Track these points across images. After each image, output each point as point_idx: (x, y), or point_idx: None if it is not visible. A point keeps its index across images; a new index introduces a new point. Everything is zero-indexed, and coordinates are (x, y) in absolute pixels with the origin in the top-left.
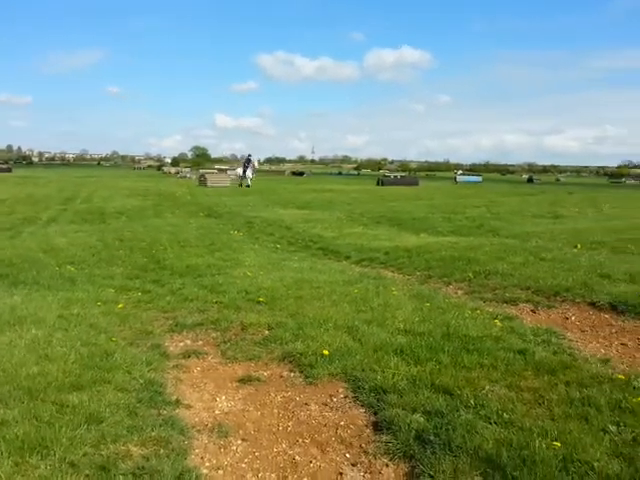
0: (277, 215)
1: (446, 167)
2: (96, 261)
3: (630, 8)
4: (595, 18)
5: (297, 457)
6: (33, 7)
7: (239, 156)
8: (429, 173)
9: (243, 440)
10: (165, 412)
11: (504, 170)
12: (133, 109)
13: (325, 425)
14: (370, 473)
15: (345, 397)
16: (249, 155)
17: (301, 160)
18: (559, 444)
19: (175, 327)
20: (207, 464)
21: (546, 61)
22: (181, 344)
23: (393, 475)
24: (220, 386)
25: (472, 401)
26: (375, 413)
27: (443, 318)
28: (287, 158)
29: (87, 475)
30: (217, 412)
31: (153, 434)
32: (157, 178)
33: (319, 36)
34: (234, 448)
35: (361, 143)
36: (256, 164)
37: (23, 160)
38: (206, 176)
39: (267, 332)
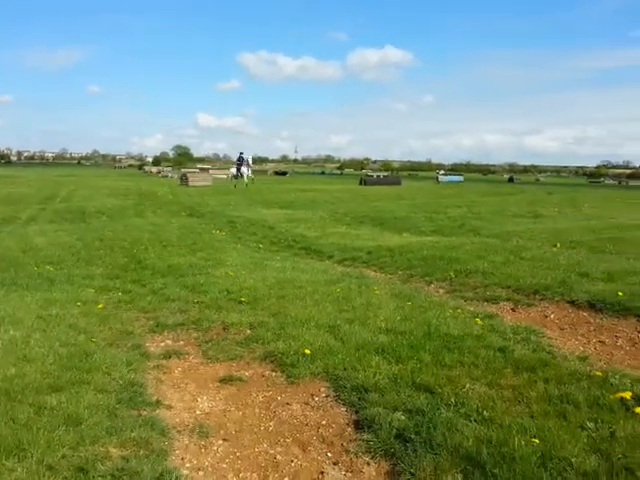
0: (260, 215)
1: (428, 167)
2: (76, 261)
3: (611, 9)
4: (576, 19)
5: (278, 456)
6: (12, 4)
7: (222, 155)
8: (412, 173)
9: (224, 440)
10: (145, 413)
11: (485, 170)
12: (114, 108)
13: (307, 424)
14: (351, 472)
15: (327, 396)
16: (241, 153)
17: (284, 160)
18: (538, 441)
19: (156, 327)
20: (188, 465)
21: (528, 61)
22: (162, 344)
23: (374, 473)
24: (201, 386)
25: (453, 399)
26: (356, 412)
27: (424, 317)
28: (270, 158)
29: (65, 477)
30: (198, 412)
31: (133, 435)
32: (138, 177)
33: (302, 35)
34: (215, 448)
35: (344, 143)
36: (250, 162)
37: (1, 159)
38: (188, 175)
39: (249, 332)
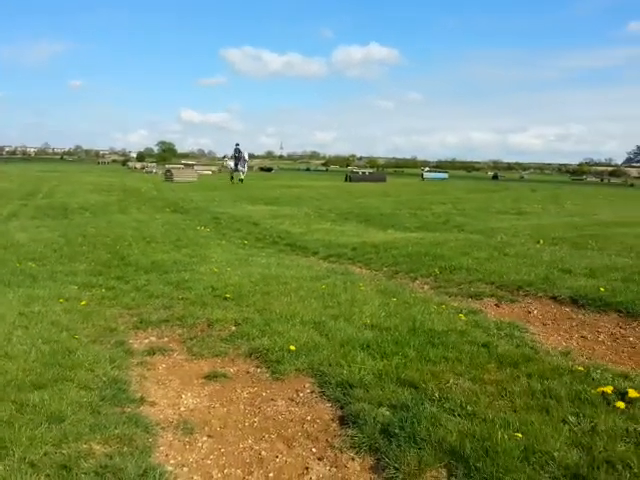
0: (245, 211)
1: (413, 164)
2: (58, 257)
3: (595, 9)
4: (561, 19)
5: (263, 452)
6: None
7: (206, 151)
8: (397, 170)
9: (209, 436)
10: (129, 410)
11: (470, 167)
12: (97, 103)
13: (291, 420)
14: (336, 467)
15: (312, 392)
16: (237, 145)
17: (269, 156)
18: (520, 435)
19: (140, 324)
20: (172, 461)
21: (513, 59)
22: (146, 341)
23: (359, 468)
24: (186, 383)
25: (437, 394)
26: (341, 407)
27: (409, 313)
28: (255, 154)
29: (48, 475)
30: (182, 409)
31: (116, 432)
32: (122, 173)
33: (287, 31)
34: (200, 445)
35: (329, 139)
36: (246, 156)
37: None
38: (172, 171)
39: (234, 328)
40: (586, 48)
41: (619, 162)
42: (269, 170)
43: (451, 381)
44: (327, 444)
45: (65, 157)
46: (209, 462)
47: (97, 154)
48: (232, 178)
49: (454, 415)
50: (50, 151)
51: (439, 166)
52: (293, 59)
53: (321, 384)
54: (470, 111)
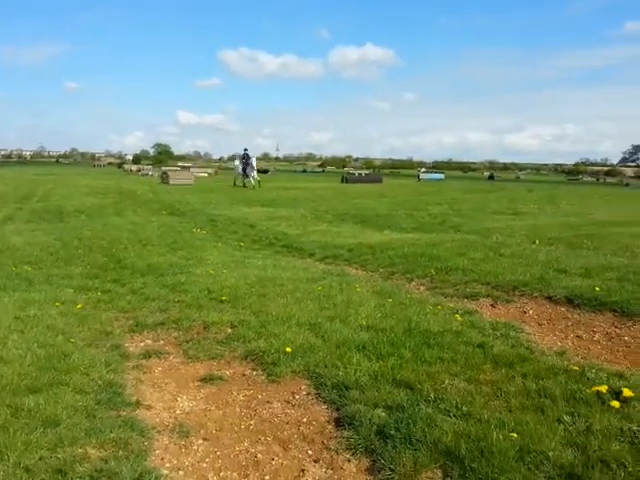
0: (241, 213)
1: (410, 165)
2: (54, 260)
3: (591, 8)
4: (557, 18)
5: (259, 455)
6: None
7: (202, 153)
8: (393, 170)
9: (204, 440)
10: (125, 413)
11: (466, 168)
12: (93, 105)
13: (287, 422)
14: (332, 469)
15: (307, 394)
16: (245, 150)
17: (265, 157)
18: (516, 435)
19: (136, 327)
20: (167, 465)
21: (510, 59)
22: (142, 344)
23: (355, 470)
24: (182, 386)
25: (432, 395)
26: (337, 409)
27: (405, 314)
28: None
29: (43, 479)
30: (178, 412)
31: (112, 436)
32: (118, 176)
33: (283, 32)
34: (195, 448)
35: (326, 140)
36: (254, 163)
37: None
38: (169, 173)
39: (230, 330)
40: (582, 48)
41: (615, 162)
42: (265, 172)
43: (446, 382)
44: (323, 446)
45: (61, 160)
46: (205, 465)
47: (93, 157)
48: (244, 185)
49: (449, 416)
50: (46, 154)
51: (435, 167)
52: (289, 60)
53: (317, 386)
54: (466, 111)
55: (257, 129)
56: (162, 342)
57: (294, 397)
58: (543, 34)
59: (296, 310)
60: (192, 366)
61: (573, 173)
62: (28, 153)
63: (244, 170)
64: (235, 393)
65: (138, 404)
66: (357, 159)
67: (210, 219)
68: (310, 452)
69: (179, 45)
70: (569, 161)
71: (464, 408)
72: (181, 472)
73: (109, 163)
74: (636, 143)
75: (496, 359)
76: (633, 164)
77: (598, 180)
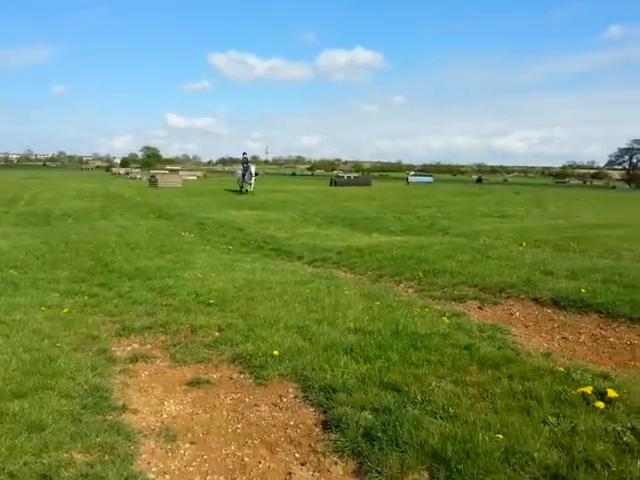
0: (229, 216)
1: (398, 168)
2: (40, 264)
3: (577, 13)
4: (544, 23)
5: (246, 458)
6: None
7: (191, 156)
8: (382, 174)
9: (191, 443)
10: (111, 418)
11: (455, 171)
12: (80, 108)
13: (275, 425)
14: (319, 471)
15: (295, 397)
16: (244, 154)
17: (255, 161)
18: (501, 436)
19: (122, 331)
20: (154, 469)
21: (497, 63)
22: (129, 348)
23: (342, 472)
24: (168, 390)
25: (419, 397)
26: (324, 412)
27: (393, 316)
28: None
29: None
30: (165, 416)
31: (98, 440)
32: (106, 179)
33: (271, 36)
34: (182, 452)
35: (315, 144)
36: (253, 170)
37: None
38: (157, 177)
39: (217, 334)
40: (568, 52)
41: (601, 165)
42: (255, 175)
43: (433, 384)
44: (310, 449)
45: (48, 163)
46: (191, 469)
47: (81, 160)
48: (241, 189)
49: (436, 418)
50: (33, 157)
51: (424, 170)
52: (278, 64)
53: (304, 389)
54: (454, 115)
55: (246, 132)
56: (149, 346)
57: (281, 400)
58: (529, 39)
59: (284, 313)
60: (179, 370)
61: (560, 176)
62: (15, 156)
63: (243, 175)
64: (222, 396)
65: (124, 408)
66: (346, 162)
67: (198, 222)
68: (297, 455)
69: (168, 48)
70: (556, 164)
71: (451, 410)
72: (167, 476)
73: (97, 166)
74: (623, 146)
75: (482, 361)
76: (620, 167)
77: (585, 183)
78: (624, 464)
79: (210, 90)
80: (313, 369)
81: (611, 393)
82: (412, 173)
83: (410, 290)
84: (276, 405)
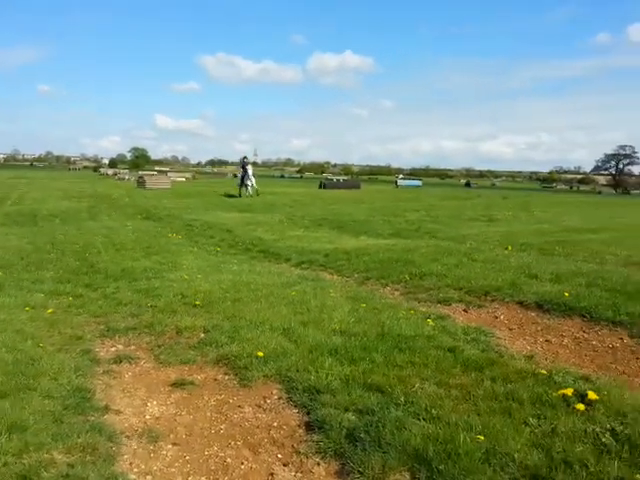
0: (218, 218)
1: (388, 171)
2: (25, 265)
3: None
4: (532, 29)
5: (229, 459)
6: None
7: (180, 158)
8: (371, 177)
9: (174, 444)
10: (93, 418)
11: (443, 175)
12: (67, 108)
13: (258, 427)
14: (301, 472)
15: (279, 398)
16: (244, 158)
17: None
18: (483, 437)
19: (107, 332)
20: (135, 470)
21: (485, 68)
22: (113, 349)
23: (324, 473)
24: (152, 391)
25: (402, 398)
26: (308, 413)
27: (378, 318)
28: (230, 160)
29: None
30: (148, 417)
31: (79, 441)
32: (93, 179)
33: (261, 38)
34: (164, 453)
35: (304, 146)
36: (250, 172)
37: None
38: (145, 178)
39: (202, 335)
40: (555, 59)
41: (588, 170)
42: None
43: (417, 385)
44: (293, 450)
45: (35, 163)
46: (173, 470)
47: (68, 160)
48: (239, 194)
49: (419, 419)
50: (20, 157)
51: (413, 173)
52: (267, 66)
53: (288, 390)
54: (442, 119)
55: (235, 134)
56: (133, 347)
57: (265, 401)
58: (517, 45)
59: (270, 315)
60: (163, 371)
61: (547, 181)
62: (1, 156)
63: (242, 179)
64: (206, 398)
65: (107, 409)
66: (335, 165)
67: (186, 224)
68: (280, 456)
69: (156, 49)
70: (543, 169)
71: (433, 411)
72: (149, 477)
73: (85, 167)
74: (609, 152)
75: (466, 363)
76: (606, 172)
77: (572, 188)
78: (602, 464)
79: (199, 92)
80: (298, 370)
81: (591, 395)
82: (401, 176)
83: (396, 293)
84: (260, 406)
